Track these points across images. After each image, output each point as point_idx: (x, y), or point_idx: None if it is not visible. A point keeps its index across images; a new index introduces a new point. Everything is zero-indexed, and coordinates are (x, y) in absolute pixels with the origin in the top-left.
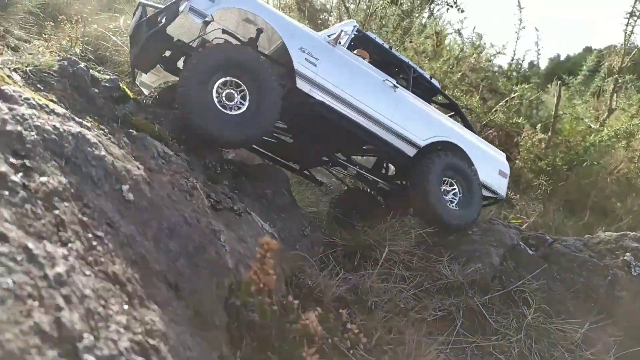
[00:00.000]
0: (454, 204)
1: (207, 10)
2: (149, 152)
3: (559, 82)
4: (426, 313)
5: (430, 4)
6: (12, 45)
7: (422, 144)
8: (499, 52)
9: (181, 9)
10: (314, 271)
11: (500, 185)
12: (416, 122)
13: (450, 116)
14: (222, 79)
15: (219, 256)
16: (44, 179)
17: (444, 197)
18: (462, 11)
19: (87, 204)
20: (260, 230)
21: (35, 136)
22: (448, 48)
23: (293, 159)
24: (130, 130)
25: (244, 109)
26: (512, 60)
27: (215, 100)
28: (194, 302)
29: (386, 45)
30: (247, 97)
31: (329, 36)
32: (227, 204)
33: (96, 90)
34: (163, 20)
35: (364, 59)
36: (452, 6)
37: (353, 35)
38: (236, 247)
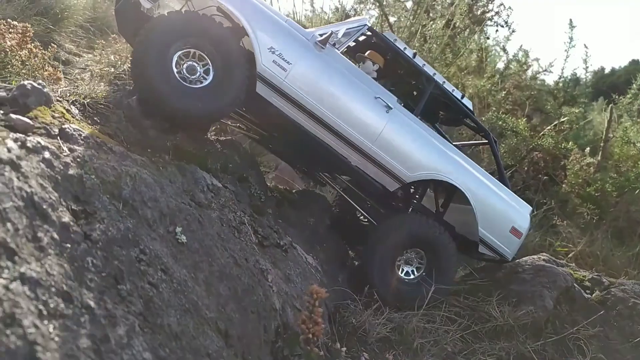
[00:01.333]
0: (410, 277)
1: None
2: (199, 186)
3: (610, 104)
4: (474, 358)
5: (481, 25)
6: (63, 59)
7: (409, 179)
8: (545, 70)
9: None
10: (358, 307)
11: (509, 245)
12: (406, 152)
13: (478, 145)
14: (183, 50)
15: (266, 297)
16: (103, 226)
17: (399, 271)
18: (514, 31)
19: (143, 249)
20: (306, 267)
21: (95, 179)
22: (492, 64)
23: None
24: (181, 162)
25: (207, 82)
26: (560, 78)
27: (175, 71)
28: (242, 349)
29: (409, 52)
30: (211, 71)
31: (320, 35)
32: (274, 239)
33: (149, 122)
34: None
35: (374, 63)
36: (503, 26)
37: (364, 37)
38: (283, 286)
